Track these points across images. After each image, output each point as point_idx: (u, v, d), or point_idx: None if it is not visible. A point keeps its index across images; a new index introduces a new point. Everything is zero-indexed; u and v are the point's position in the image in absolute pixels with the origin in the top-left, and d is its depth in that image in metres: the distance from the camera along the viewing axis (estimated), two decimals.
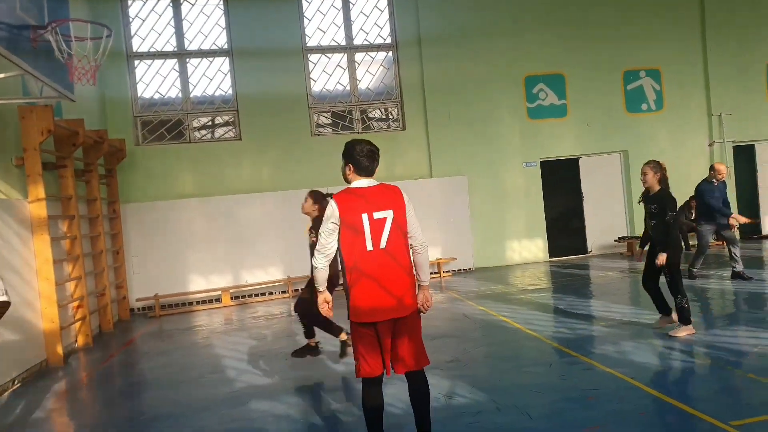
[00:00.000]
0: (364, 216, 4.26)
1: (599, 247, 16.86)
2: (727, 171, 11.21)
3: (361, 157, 4.41)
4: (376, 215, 4.29)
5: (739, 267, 10.74)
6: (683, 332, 7.41)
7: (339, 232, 4.31)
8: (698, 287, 10.75)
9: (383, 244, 4.29)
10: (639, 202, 7.89)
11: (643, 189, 7.71)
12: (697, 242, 11.54)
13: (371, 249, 4.28)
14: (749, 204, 17.24)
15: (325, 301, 4.59)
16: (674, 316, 7.66)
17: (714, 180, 10.89)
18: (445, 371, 6.72)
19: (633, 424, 4.89)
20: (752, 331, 7.49)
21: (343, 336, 7.30)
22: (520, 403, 5.53)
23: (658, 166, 7.55)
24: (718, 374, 5.98)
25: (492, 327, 9.00)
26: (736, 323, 8.07)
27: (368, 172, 4.44)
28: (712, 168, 10.98)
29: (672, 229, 7.34)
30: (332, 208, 4.30)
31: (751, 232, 17.43)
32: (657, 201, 7.47)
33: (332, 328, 7.34)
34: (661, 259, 7.34)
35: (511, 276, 14.25)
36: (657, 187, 7.51)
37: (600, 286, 11.92)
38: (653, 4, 16.87)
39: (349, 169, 4.45)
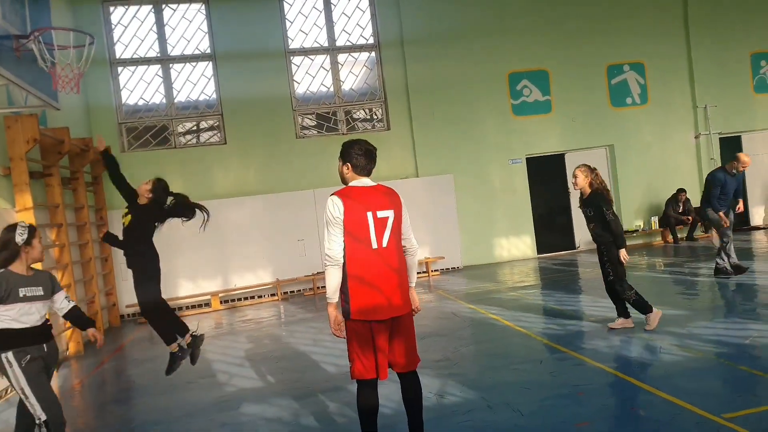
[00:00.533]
0: (369, 214, 4.25)
1: (587, 243, 16.89)
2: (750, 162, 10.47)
3: (359, 156, 4.37)
4: (380, 214, 4.29)
5: (723, 263, 10.46)
6: (654, 321, 7.43)
7: (343, 230, 4.26)
8: (688, 280, 10.83)
9: (385, 243, 4.30)
10: (579, 207, 7.88)
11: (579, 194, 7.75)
12: (714, 232, 10.88)
13: (375, 247, 4.27)
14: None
15: (336, 322, 4.37)
16: (619, 321, 7.70)
17: (734, 170, 10.27)
18: (435, 370, 6.75)
19: (624, 419, 4.93)
20: (743, 323, 7.50)
21: (174, 347, 6.97)
22: (511, 400, 5.55)
23: (589, 170, 7.56)
24: (710, 367, 5.98)
25: (481, 325, 9.03)
26: (726, 315, 8.11)
27: (366, 172, 4.42)
28: (736, 158, 10.30)
29: (615, 225, 7.36)
30: (337, 206, 4.24)
31: (740, 224, 17.49)
32: (591, 204, 7.52)
33: (168, 333, 6.97)
34: (623, 254, 7.39)
35: (499, 273, 14.30)
36: (589, 190, 7.56)
37: (588, 282, 11.95)
38: None
39: (347, 169, 4.41)
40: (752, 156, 17.40)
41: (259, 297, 14.32)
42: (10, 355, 4.64)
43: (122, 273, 13.65)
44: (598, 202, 7.43)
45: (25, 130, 8.69)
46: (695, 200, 16.75)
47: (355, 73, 16.08)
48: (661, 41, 17.10)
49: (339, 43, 15.85)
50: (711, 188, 10.29)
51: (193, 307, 13.95)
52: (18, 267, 4.76)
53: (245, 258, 14.26)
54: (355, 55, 16.07)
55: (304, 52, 15.67)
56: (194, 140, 15.26)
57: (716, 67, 17.31)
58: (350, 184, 4.41)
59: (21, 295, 4.68)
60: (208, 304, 13.82)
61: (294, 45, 15.59)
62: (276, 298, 14.17)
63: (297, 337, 9.68)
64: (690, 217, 16.22)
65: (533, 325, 8.49)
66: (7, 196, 8.73)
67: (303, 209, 14.43)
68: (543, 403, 5.44)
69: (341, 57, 15.93)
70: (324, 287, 4.44)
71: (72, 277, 10.26)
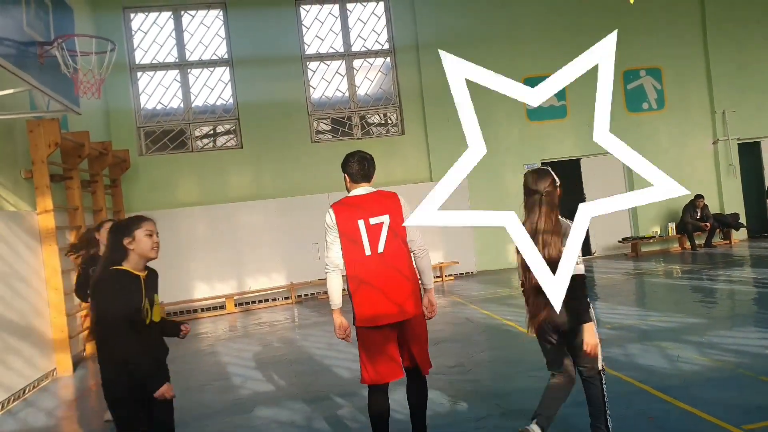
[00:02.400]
0: (360, 222, 4.33)
1: (603, 249, 16.86)
2: None
3: (352, 163, 4.52)
4: (372, 221, 4.35)
5: None
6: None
7: (340, 241, 4.38)
8: (707, 288, 10.74)
9: (380, 249, 4.35)
10: None
11: None
12: None
13: (369, 254, 4.33)
14: (756, 202, 17.19)
15: (341, 328, 4.52)
16: None
17: None
18: (449, 376, 6.74)
19: (641, 428, 4.83)
20: (762, 332, 7.35)
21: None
22: (526, 407, 5.50)
23: None
24: (729, 377, 5.85)
25: (496, 331, 9.02)
26: (745, 324, 7.95)
27: (363, 179, 4.52)
28: None
29: None
30: (330, 217, 4.40)
31: (761, 230, 17.33)
32: None
33: None
34: None
35: (514, 279, 14.24)
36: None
37: (605, 288, 11.88)
38: (652, 2, 16.71)
39: (347, 180, 4.57)
40: None
41: (273, 300, 14.38)
42: None
43: None
44: None
45: (47, 134, 8.83)
46: (714, 207, 16.63)
47: (370, 78, 16.13)
48: (678, 46, 16.92)
49: (354, 48, 15.91)
50: None
51: (208, 309, 14.03)
52: None
53: (260, 261, 14.33)
54: (371, 60, 16.12)
55: (320, 57, 15.74)
56: (211, 144, 15.37)
57: (735, 72, 17.05)
58: (349, 193, 4.54)
59: None
60: (222, 307, 13.90)
61: (310, 51, 15.67)
62: (290, 301, 14.23)
63: (310, 340, 9.72)
64: (708, 224, 15.99)
65: None
66: (28, 198, 8.89)
67: (317, 213, 14.16)
68: (558, 411, 5.40)
69: (356, 62, 15.99)
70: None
71: None
